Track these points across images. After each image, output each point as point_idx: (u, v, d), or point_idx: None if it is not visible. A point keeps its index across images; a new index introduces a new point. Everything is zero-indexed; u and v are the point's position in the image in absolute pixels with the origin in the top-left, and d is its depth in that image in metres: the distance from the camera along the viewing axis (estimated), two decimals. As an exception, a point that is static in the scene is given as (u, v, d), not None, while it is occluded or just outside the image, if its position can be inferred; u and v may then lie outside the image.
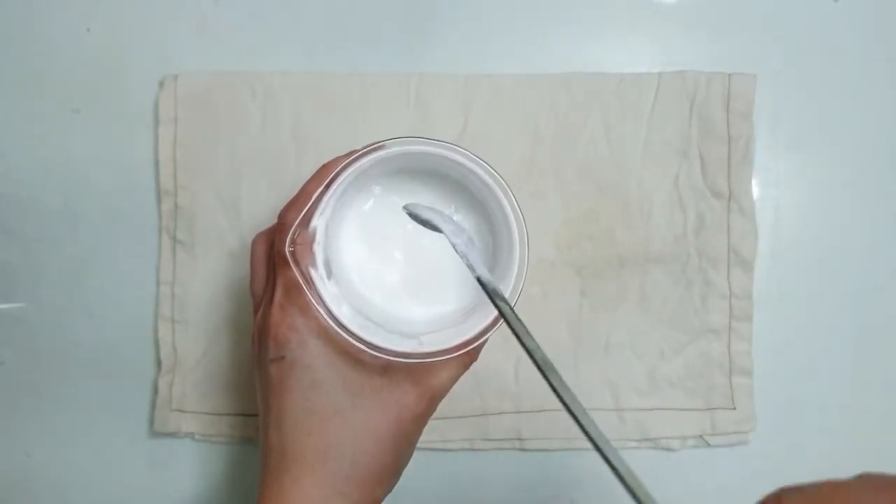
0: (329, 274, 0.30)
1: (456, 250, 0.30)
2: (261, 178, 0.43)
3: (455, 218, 0.34)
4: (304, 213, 0.29)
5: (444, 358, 0.29)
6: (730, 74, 0.43)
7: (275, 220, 0.32)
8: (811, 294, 0.44)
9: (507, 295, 0.29)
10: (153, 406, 0.43)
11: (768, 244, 0.44)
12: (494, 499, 0.43)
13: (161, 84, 0.43)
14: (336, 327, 0.29)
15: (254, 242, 0.34)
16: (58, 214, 0.44)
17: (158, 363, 0.43)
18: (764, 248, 0.43)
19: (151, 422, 0.43)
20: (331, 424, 0.30)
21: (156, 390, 0.43)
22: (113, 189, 0.44)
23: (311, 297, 0.29)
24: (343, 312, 0.29)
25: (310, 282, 0.29)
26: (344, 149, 0.42)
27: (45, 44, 0.44)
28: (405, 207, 0.31)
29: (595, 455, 0.42)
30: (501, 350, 0.42)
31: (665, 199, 0.43)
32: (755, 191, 0.43)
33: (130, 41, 0.44)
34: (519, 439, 0.42)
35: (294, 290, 0.30)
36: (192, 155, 0.43)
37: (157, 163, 0.43)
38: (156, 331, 0.43)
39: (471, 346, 0.29)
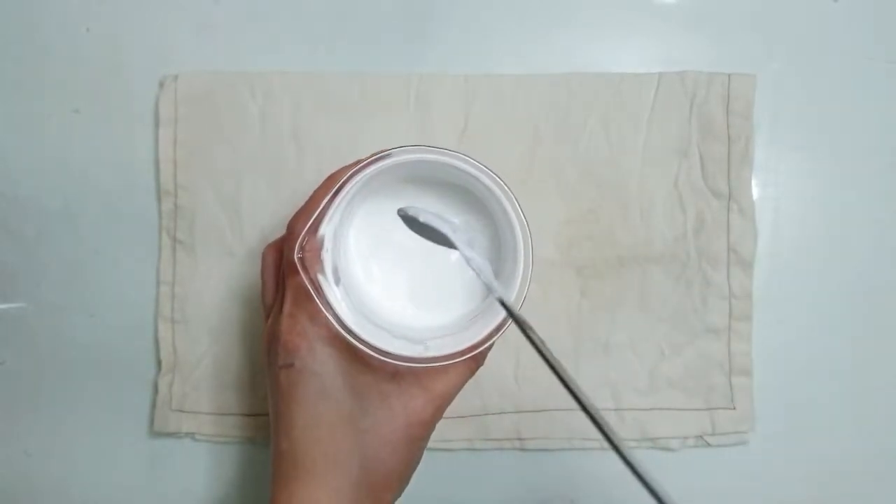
0: (337, 281, 0.31)
1: (462, 254, 0.30)
2: (261, 178, 0.43)
3: (457, 221, 0.34)
4: (311, 221, 0.29)
5: (451, 362, 0.29)
6: (729, 75, 0.43)
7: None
8: (811, 294, 0.44)
9: (512, 298, 0.30)
10: (153, 406, 0.43)
11: (768, 244, 0.44)
12: (494, 499, 0.43)
13: (161, 84, 0.43)
14: (345, 333, 0.29)
15: (264, 253, 0.34)
16: (58, 214, 0.44)
17: (158, 363, 0.43)
18: (763, 247, 0.43)
19: (151, 422, 0.43)
20: (340, 431, 0.30)
21: (156, 390, 0.43)
22: (113, 189, 0.44)
23: (319, 303, 0.29)
24: (351, 318, 0.29)
25: (318, 288, 0.29)
26: (344, 149, 0.43)
27: (45, 44, 0.44)
28: (400, 211, 0.31)
29: (595, 455, 0.43)
30: (501, 350, 0.42)
31: (665, 198, 0.43)
32: (755, 191, 0.43)
33: (130, 41, 0.44)
34: (519, 439, 0.42)
35: (303, 298, 0.30)
36: (192, 155, 0.43)
37: (157, 163, 0.43)
38: (156, 331, 0.43)
39: (477, 350, 0.30)
